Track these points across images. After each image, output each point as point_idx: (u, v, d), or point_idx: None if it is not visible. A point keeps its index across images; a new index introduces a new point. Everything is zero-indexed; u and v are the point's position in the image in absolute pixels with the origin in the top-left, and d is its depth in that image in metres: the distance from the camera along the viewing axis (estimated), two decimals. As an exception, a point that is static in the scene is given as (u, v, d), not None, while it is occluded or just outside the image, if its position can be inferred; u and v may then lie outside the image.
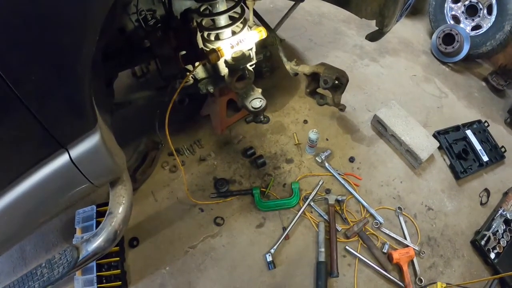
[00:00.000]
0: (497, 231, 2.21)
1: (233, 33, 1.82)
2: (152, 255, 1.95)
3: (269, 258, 1.94)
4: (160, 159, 2.30)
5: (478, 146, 2.61)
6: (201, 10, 1.77)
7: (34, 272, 1.27)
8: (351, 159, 2.45)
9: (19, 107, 0.86)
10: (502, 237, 2.20)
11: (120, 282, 1.79)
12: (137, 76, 2.47)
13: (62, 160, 1.04)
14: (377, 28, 1.95)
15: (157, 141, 2.26)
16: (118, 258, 1.84)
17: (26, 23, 0.77)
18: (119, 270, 1.81)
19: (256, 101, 1.94)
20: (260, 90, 2.00)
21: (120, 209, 1.29)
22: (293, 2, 2.60)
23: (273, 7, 3.52)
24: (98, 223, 1.87)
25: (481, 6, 3.31)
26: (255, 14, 2.33)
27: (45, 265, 1.27)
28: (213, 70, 1.97)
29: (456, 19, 3.52)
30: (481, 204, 2.41)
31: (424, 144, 2.43)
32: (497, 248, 2.15)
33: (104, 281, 1.79)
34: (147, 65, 2.48)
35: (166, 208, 2.12)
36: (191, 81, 2.00)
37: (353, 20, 3.67)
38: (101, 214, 1.92)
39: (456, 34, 3.24)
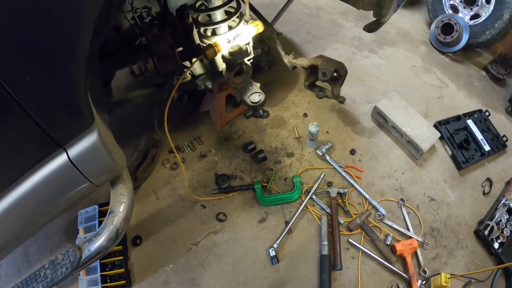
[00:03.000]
0: (500, 220, 2.21)
1: (230, 28, 1.81)
2: (155, 253, 1.95)
3: (272, 253, 1.94)
4: (160, 157, 2.29)
5: (479, 136, 2.60)
6: (197, 5, 1.75)
7: (38, 274, 1.27)
8: (352, 152, 2.45)
9: (14, 108, 0.85)
10: (506, 226, 2.19)
11: (124, 281, 1.79)
12: (135, 74, 2.46)
13: (60, 160, 1.04)
14: (374, 18, 1.93)
15: (157, 139, 2.26)
16: (121, 257, 1.84)
17: (16, 21, 0.75)
18: (123, 269, 1.81)
19: (255, 95, 1.93)
20: (258, 85, 1.99)
21: (121, 208, 1.29)
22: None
23: (269, 1, 3.49)
24: (100, 223, 1.86)
25: (479, -5, 3.29)
26: (252, 8, 2.31)
27: (48, 266, 1.27)
28: (210, 66, 1.96)
29: (454, 8, 3.49)
30: (484, 193, 2.40)
31: (425, 134, 2.41)
32: (501, 238, 2.14)
33: (108, 280, 1.79)
34: (145, 63, 2.46)
35: (168, 206, 2.12)
36: (189, 77, 1.99)
37: (350, 12, 3.63)
38: (103, 214, 1.92)
39: (455, 24, 3.21)
